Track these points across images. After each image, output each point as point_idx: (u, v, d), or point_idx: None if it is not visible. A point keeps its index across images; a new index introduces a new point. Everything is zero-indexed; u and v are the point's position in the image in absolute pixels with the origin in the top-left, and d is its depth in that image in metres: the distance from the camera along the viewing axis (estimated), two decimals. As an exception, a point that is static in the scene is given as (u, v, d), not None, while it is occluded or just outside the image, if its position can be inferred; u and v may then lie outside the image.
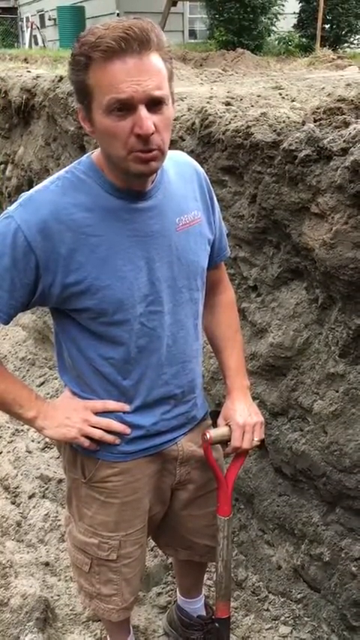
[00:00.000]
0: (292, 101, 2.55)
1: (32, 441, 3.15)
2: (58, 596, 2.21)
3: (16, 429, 3.21)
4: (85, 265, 1.27)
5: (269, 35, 10.61)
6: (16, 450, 3.02)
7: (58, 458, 2.89)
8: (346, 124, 1.78)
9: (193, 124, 2.37)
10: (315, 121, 1.93)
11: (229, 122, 2.15)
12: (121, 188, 1.28)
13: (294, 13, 11.17)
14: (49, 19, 17.38)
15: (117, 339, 1.34)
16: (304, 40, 10.15)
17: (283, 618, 2.06)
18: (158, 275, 1.34)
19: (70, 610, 2.16)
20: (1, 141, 5.04)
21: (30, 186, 3.83)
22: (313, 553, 1.97)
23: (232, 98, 2.56)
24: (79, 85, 1.18)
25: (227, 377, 1.60)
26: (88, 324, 1.33)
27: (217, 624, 1.68)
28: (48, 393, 3.57)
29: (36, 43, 16.67)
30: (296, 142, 1.78)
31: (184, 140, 2.41)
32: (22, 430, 3.21)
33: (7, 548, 2.35)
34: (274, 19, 10.57)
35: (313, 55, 6.82)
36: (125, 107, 1.13)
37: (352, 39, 11.00)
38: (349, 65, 5.44)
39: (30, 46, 16.00)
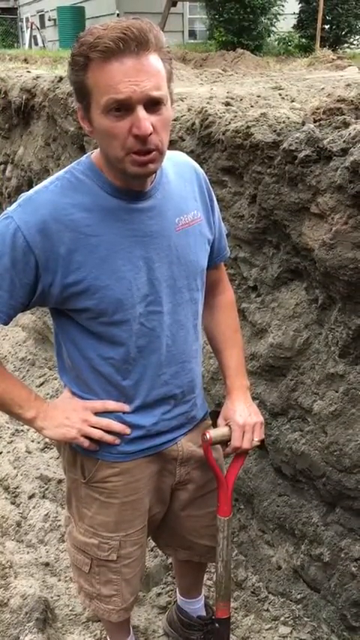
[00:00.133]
0: (292, 101, 2.56)
1: (32, 441, 3.15)
2: (58, 596, 2.21)
3: (16, 429, 3.21)
4: (85, 265, 1.27)
5: (269, 36, 10.63)
6: (15, 450, 3.02)
7: (57, 458, 2.89)
8: (346, 125, 1.78)
9: (193, 124, 2.37)
10: (315, 121, 1.93)
11: (229, 122, 2.15)
12: (120, 188, 1.28)
13: (294, 13, 11.19)
14: (49, 20, 17.42)
15: (116, 339, 1.34)
16: (303, 40, 10.16)
17: (282, 618, 2.06)
18: (158, 275, 1.34)
19: (70, 610, 2.16)
20: (1, 141, 5.04)
21: (30, 187, 3.83)
22: (312, 553, 1.97)
23: (232, 98, 2.56)
24: (78, 84, 1.18)
25: (227, 377, 1.60)
26: (88, 324, 1.33)
27: (217, 624, 1.67)
28: (48, 394, 3.57)
29: (36, 44, 16.69)
30: (296, 143, 1.78)
31: (184, 140, 2.41)
32: (22, 430, 3.21)
33: (7, 548, 2.35)
34: (274, 20, 10.59)
35: (312, 55, 6.82)
36: (123, 107, 1.13)
37: (351, 39, 11.02)
38: (349, 65, 5.44)
39: (30, 46, 16.02)
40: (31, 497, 2.69)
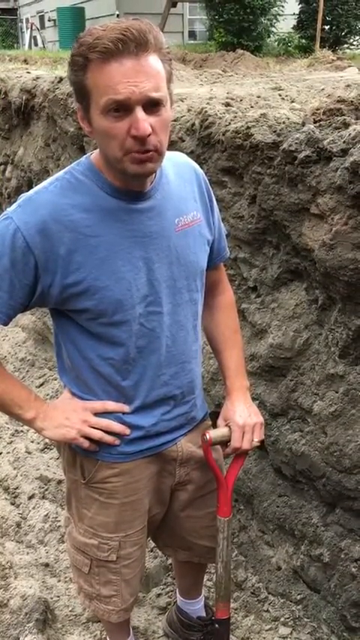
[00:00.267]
0: (292, 102, 2.56)
1: (32, 441, 3.15)
2: (58, 597, 2.21)
3: (16, 430, 3.21)
4: (84, 266, 1.27)
5: (269, 36, 10.62)
6: (15, 450, 3.02)
7: (57, 459, 2.89)
8: (346, 125, 1.78)
9: (193, 124, 2.37)
10: (315, 121, 1.93)
11: (229, 123, 2.15)
12: (119, 189, 1.28)
13: (294, 14, 11.18)
14: (49, 20, 17.43)
15: (116, 339, 1.34)
16: (303, 41, 10.16)
17: (282, 619, 2.06)
18: (157, 276, 1.34)
19: (70, 611, 2.16)
20: (1, 142, 5.04)
21: (30, 187, 3.83)
22: (312, 554, 1.97)
23: (232, 99, 2.56)
24: (77, 85, 1.18)
25: (227, 377, 1.60)
26: (88, 324, 1.33)
27: (216, 625, 1.67)
28: (48, 394, 3.57)
29: (36, 44, 16.70)
30: (296, 143, 1.78)
31: (183, 141, 2.41)
32: (22, 431, 3.21)
33: (7, 549, 2.35)
34: (274, 20, 10.57)
35: (312, 56, 6.82)
36: (122, 108, 1.13)
37: (351, 40, 11.01)
38: (349, 66, 5.44)
39: (30, 47, 16.02)
40: (30, 497, 2.69)
